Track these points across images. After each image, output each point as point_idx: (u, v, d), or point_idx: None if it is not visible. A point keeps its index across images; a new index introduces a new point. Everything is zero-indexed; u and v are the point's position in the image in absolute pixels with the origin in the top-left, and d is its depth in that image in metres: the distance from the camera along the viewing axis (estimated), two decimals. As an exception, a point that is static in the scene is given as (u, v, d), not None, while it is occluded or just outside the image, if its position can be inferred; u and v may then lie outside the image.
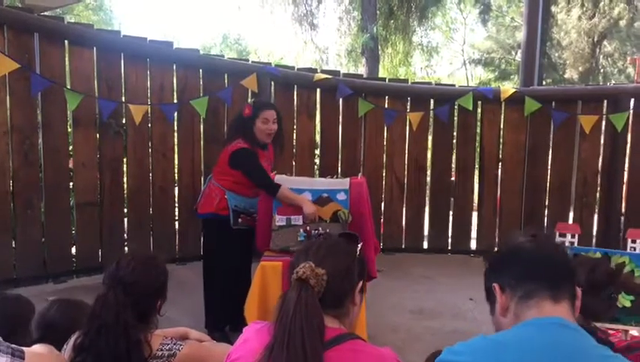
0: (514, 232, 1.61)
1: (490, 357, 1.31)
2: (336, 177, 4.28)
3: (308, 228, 3.77)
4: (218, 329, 4.04)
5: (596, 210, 6.48)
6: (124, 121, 5.41)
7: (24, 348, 1.63)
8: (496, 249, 1.65)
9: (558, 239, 3.70)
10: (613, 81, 19.16)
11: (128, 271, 1.88)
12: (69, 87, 5.04)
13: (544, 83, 15.54)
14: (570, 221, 6.50)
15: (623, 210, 6.36)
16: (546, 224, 6.48)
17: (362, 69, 15.43)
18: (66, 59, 5.12)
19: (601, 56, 19.80)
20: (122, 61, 5.37)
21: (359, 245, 1.72)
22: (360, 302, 1.62)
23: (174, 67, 5.65)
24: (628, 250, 3.60)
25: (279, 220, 3.81)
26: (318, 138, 6.53)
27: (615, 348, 3.35)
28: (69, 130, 5.26)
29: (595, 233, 6.46)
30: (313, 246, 1.60)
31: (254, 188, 3.89)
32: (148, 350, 1.86)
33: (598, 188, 6.42)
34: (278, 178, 3.91)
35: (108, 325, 1.81)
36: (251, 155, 3.85)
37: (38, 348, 1.72)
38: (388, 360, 1.50)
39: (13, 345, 1.60)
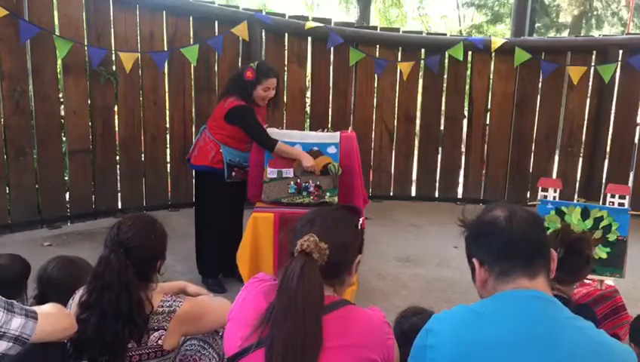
0: (493, 204, 1.62)
1: (470, 327, 1.40)
2: (327, 131, 4.33)
3: (299, 180, 3.87)
4: (211, 276, 4.18)
5: (580, 161, 6.61)
6: (114, 69, 5.40)
7: (36, 308, 1.73)
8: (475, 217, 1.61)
9: (540, 194, 3.81)
10: (605, 24, 18.99)
11: (129, 235, 1.96)
12: (57, 34, 5.00)
13: (536, 26, 15.39)
14: (555, 171, 6.66)
15: (607, 161, 6.50)
16: (530, 173, 6.61)
17: (353, 11, 15.19)
18: (55, 4, 5.06)
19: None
20: (111, 8, 5.31)
21: (361, 219, 1.79)
22: (355, 272, 1.72)
23: (164, 14, 5.59)
24: (607, 205, 3.73)
25: (271, 172, 3.89)
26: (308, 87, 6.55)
27: (589, 296, 3.55)
28: (59, 77, 5.24)
29: (578, 183, 6.61)
30: (318, 219, 1.66)
31: (249, 142, 3.95)
32: (149, 307, 1.96)
33: (584, 139, 6.53)
34: (270, 131, 3.96)
35: (111, 285, 1.90)
36: (248, 112, 3.89)
37: (49, 308, 1.81)
38: (376, 324, 1.61)
39: (25, 306, 1.70)
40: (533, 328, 1.36)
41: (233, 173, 3.98)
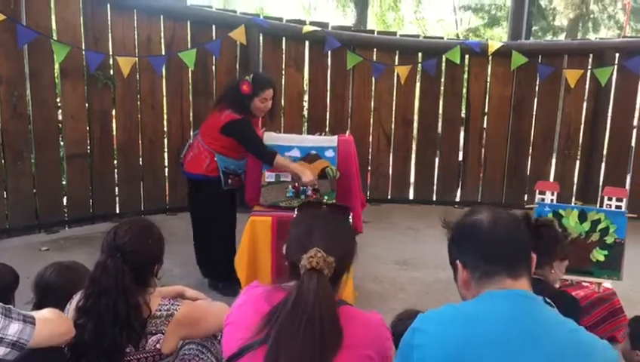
0: (474, 208, 1.64)
1: (459, 326, 1.41)
2: (325, 134, 4.34)
3: (296, 184, 3.88)
4: (221, 279, 4.11)
5: (577, 164, 6.61)
6: (111, 73, 5.40)
7: (34, 314, 1.73)
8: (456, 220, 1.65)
9: (537, 197, 3.82)
10: (602, 27, 19.05)
11: (126, 240, 1.96)
12: (55, 38, 5.00)
13: (532, 30, 15.41)
14: (552, 173, 6.67)
15: (604, 164, 6.50)
16: (528, 175, 6.62)
17: (350, 14, 15.20)
18: (52, 9, 5.06)
19: (592, 1, 19.56)
20: (109, 12, 5.32)
21: (350, 216, 1.80)
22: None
23: (162, 18, 5.60)
24: (604, 207, 3.75)
25: (268, 176, 3.91)
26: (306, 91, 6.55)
27: (587, 299, 3.56)
28: (57, 81, 5.24)
29: (575, 186, 6.61)
30: (317, 230, 1.66)
31: (243, 151, 3.94)
32: (147, 311, 1.97)
33: (580, 142, 6.54)
34: (267, 135, 3.97)
35: (108, 290, 1.90)
36: (246, 125, 3.86)
37: (46, 313, 1.81)
38: (373, 324, 1.63)
39: (23, 312, 1.70)
40: (521, 326, 1.38)
41: (229, 181, 3.97)
